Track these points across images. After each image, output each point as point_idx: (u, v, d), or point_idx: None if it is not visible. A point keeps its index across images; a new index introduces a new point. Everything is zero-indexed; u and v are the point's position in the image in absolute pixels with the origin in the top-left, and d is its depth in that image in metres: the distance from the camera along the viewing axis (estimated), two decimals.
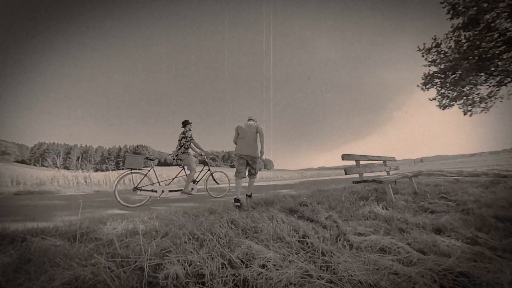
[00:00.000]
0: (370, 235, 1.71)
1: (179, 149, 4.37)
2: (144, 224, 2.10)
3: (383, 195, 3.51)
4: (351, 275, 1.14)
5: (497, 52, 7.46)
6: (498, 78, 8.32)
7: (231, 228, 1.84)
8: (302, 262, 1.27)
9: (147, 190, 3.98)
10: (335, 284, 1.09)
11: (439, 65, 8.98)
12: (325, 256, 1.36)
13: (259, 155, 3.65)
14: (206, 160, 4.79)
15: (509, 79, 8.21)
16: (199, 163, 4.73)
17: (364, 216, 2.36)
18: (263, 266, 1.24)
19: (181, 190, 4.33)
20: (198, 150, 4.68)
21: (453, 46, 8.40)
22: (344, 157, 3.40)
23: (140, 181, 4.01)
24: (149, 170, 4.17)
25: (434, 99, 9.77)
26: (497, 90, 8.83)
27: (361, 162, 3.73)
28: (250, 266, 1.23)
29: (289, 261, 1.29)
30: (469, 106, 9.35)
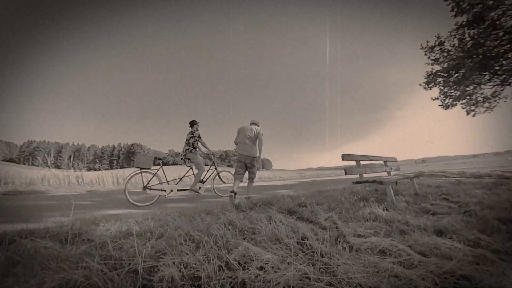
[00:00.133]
0: (370, 237, 1.72)
1: (187, 148, 4.52)
2: (138, 225, 2.09)
3: (383, 196, 3.53)
4: (351, 277, 1.15)
5: (501, 50, 7.51)
6: (502, 77, 8.37)
7: (228, 229, 1.84)
8: (300, 264, 1.28)
9: (157, 189, 4.13)
10: (334, 286, 1.10)
11: (442, 64, 9.03)
12: (324, 258, 1.37)
13: (255, 155, 3.81)
14: (213, 160, 4.94)
15: None
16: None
17: (364, 217, 2.37)
18: (261, 269, 1.24)
19: (189, 189, 4.46)
20: (205, 150, 4.83)
21: (456, 44, 8.45)
22: (344, 157, 3.42)
23: (150, 180, 4.19)
24: (158, 170, 4.32)
25: (437, 98, 9.83)
26: (501, 90, 8.90)
27: (362, 162, 3.75)
28: (248, 269, 1.24)
29: (288, 263, 1.29)
30: (473, 106, 9.42)
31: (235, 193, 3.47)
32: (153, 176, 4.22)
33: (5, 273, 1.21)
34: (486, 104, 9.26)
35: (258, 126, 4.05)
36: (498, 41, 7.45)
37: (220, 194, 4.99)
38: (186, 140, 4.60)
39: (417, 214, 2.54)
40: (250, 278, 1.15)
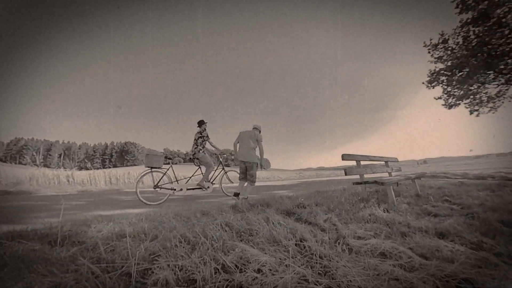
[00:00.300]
0: (371, 239, 1.73)
1: (196, 148, 4.71)
2: (132, 226, 2.09)
3: (384, 197, 3.56)
4: (350, 280, 1.16)
5: (507, 49, 7.55)
6: (507, 77, 8.42)
7: (225, 231, 1.84)
8: (299, 266, 1.29)
9: (167, 188, 4.33)
10: None
11: (446, 62, 9.08)
12: (323, 260, 1.37)
13: (255, 161, 4.08)
14: (221, 160, 5.13)
15: None
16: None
17: (365, 219, 2.39)
18: (258, 271, 1.24)
19: (199, 188, 4.63)
20: (214, 149, 5.02)
21: (461, 42, 8.49)
22: (345, 157, 3.44)
23: (160, 179, 4.35)
24: (167, 169, 4.50)
25: (440, 98, 9.90)
26: (506, 89, 8.96)
27: (362, 162, 3.78)
28: (245, 271, 1.24)
29: (286, 265, 1.30)
30: (476, 106, 9.49)
31: (238, 194, 3.90)
32: (163, 175, 4.39)
33: None
34: (490, 104, 9.32)
35: (259, 131, 4.35)
36: (503, 39, 7.49)
37: (228, 194, 5.19)
38: (195, 140, 4.77)
39: (418, 216, 2.56)
40: (247, 281, 1.15)
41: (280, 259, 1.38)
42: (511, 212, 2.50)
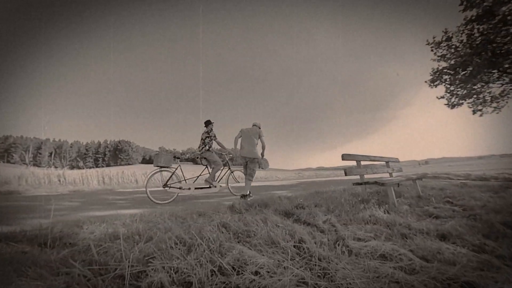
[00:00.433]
0: (371, 241, 1.75)
1: (203, 147, 4.89)
2: (125, 227, 2.08)
3: (385, 198, 3.58)
4: (350, 283, 1.17)
5: None
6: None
7: (222, 232, 1.84)
8: (297, 268, 1.29)
9: (176, 187, 4.51)
10: None
11: (449, 61, 9.12)
12: (322, 262, 1.38)
13: (257, 157, 4.37)
14: (227, 159, 5.32)
15: None
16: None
17: (365, 220, 2.41)
18: (256, 273, 1.25)
19: (207, 187, 4.81)
20: (221, 149, 5.23)
21: (465, 40, 8.52)
22: (345, 157, 3.45)
23: (169, 178, 4.55)
24: (176, 168, 4.72)
25: (442, 97, 9.95)
26: (510, 89, 9.00)
27: (362, 162, 3.79)
28: (242, 273, 1.24)
29: (284, 267, 1.30)
30: (480, 106, 9.54)
31: (245, 196, 4.23)
32: (172, 174, 4.60)
33: None
34: (494, 104, 9.36)
35: (259, 128, 4.63)
36: (508, 38, 7.51)
37: (234, 193, 5.33)
38: (202, 139, 4.95)
39: (419, 217, 2.58)
40: (244, 283, 1.16)
41: (278, 261, 1.39)
42: None
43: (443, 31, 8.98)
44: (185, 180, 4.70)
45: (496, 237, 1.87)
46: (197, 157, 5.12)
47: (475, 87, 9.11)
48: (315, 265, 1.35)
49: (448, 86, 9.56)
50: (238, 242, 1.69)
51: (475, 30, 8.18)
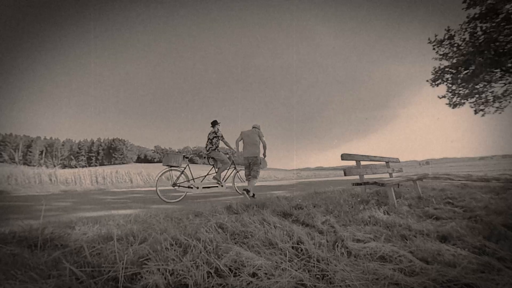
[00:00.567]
0: (370, 242, 1.76)
1: (210, 147, 5.10)
2: (119, 228, 2.08)
3: (384, 199, 3.60)
4: (349, 285, 1.17)
5: None
6: None
7: (219, 233, 1.85)
8: (295, 270, 1.30)
9: (184, 186, 4.75)
10: None
11: (451, 59, 9.16)
12: (321, 264, 1.39)
13: (259, 156, 4.61)
14: (233, 159, 5.43)
15: None
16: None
17: (364, 221, 2.42)
18: (253, 275, 1.25)
19: (215, 185, 4.98)
20: (227, 149, 5.41)
21: (467, 39, 8.56)
22: (344, 157, 3.46)
23: (178, 178, 4.80)
24: (185, 168, 4.92)
25: (444, 96, 10.01)
26: None
27: (362, 162, 3.81)
28: (239, 275, 1.25)
29: (282, 269, 1.31)
30: (482, 105, 9.60)
31: (248, 191, 4.36)
32: (181, 174, 4.83)
33: None
34: (497, 104, 9.41)
35: (259, 129, 4.83)
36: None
37: (240, 193, 5.34)
38: (209, 139, 5.16)
39: (419, 219, 2.60)
40: (241, 285, 1.16)
41: (276, 262, 1.39)
42: None
43: (445, 29, 9.02)
44: (193, 179, 4.89)
45: (497, 239, 1.89)
46: (204, 157, 5.38)
47: (477, 86, 9.16)
48: (314, 266, 1.36)
49: (450, 85, 9.61)
50: (235, 243, 1.70)
51: (478, 29, 8.22)
